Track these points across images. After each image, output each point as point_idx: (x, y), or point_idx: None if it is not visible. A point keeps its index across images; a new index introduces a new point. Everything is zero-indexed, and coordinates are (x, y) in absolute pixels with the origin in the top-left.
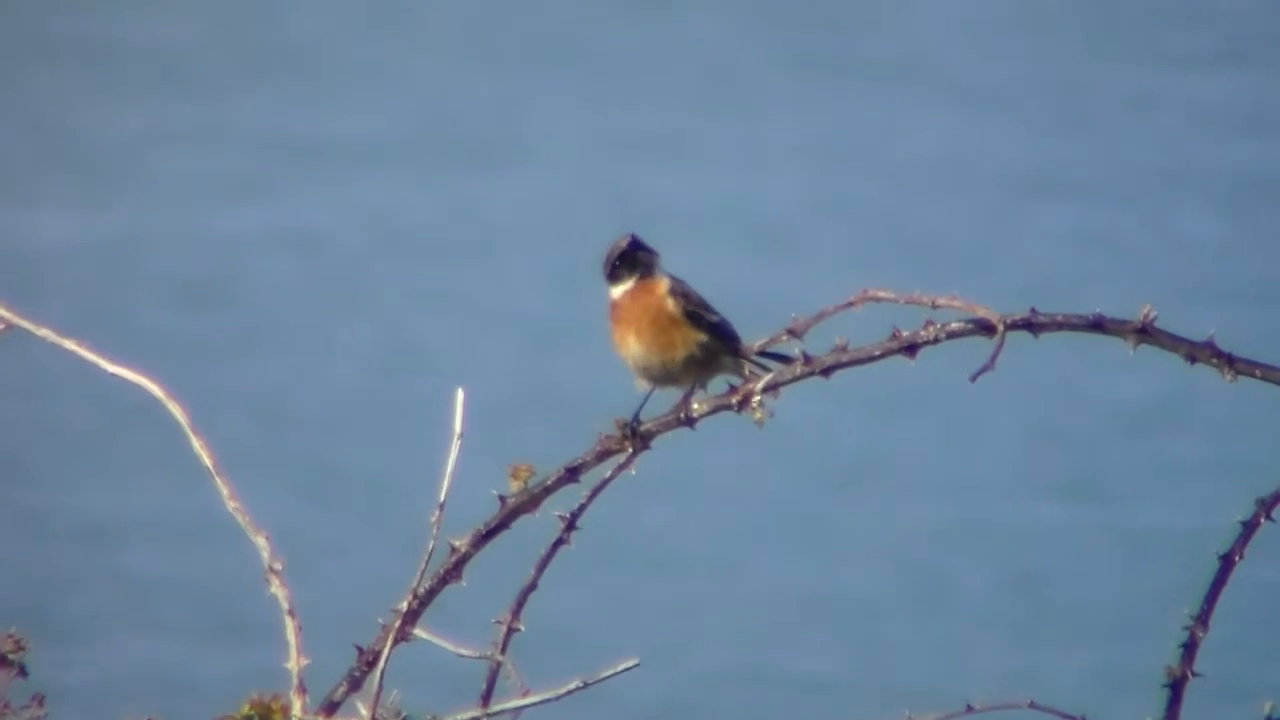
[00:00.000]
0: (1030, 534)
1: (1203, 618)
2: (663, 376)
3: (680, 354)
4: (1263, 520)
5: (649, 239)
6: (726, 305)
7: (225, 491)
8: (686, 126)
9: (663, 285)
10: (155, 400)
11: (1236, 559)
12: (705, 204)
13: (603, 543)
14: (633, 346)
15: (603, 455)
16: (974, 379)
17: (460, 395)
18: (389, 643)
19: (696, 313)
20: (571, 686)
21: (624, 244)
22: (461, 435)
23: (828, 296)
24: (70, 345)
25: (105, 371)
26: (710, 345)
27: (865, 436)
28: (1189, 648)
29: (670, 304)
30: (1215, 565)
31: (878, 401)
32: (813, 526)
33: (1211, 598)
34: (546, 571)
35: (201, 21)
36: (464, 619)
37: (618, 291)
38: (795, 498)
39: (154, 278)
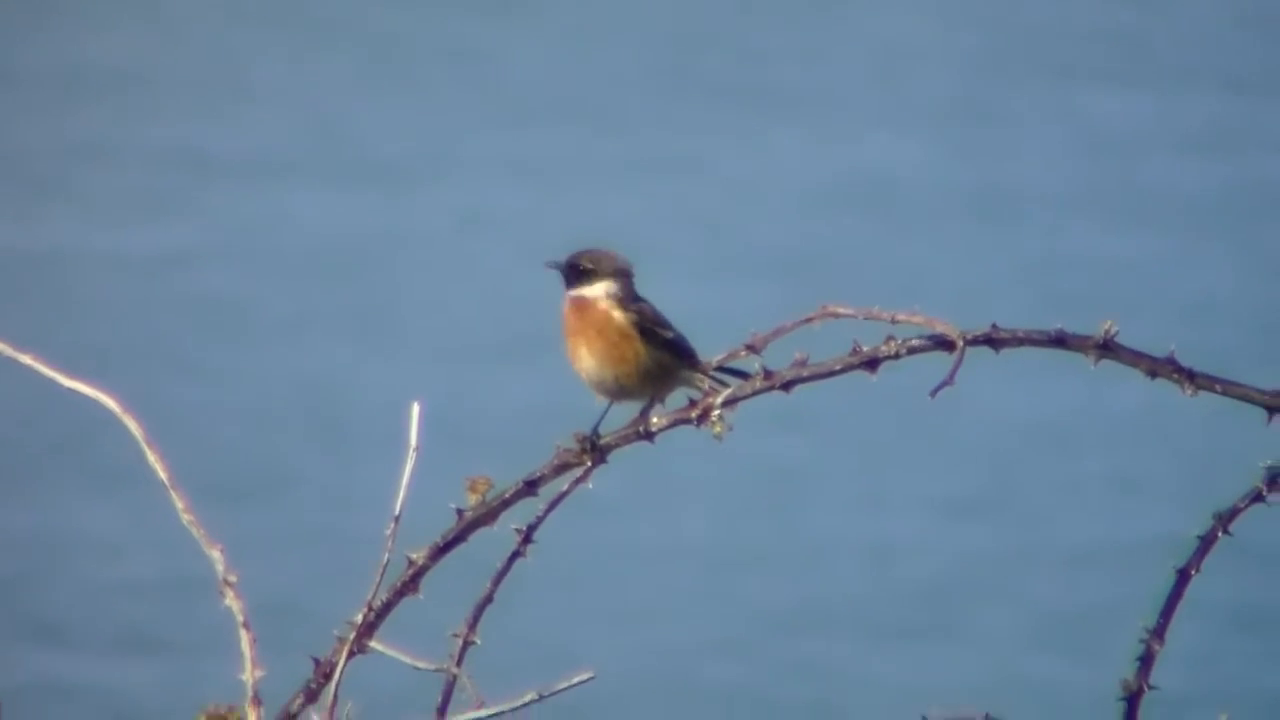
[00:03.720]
0: (946, 551)
1: (1158, 631)
2: (617, 391)
3: (633, 368)
4: (1220, 534)
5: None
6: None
7: (180, 505)
8: (592, 145)
9: (606, 295)
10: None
11: (1193, 573)
12: (617, 222)
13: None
14: (585, 360)
15: (561, 469)
16: (934, 394)
17: (416, 409)
18: (344, 655)
19: (650, 328)
20: (527, 699)
21: (586, 260)
22: (417, 448)
23: (767, 314)
24: (26, 359)
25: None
26: (664, 360)
27: (775, 452)
28: (1145, 661)
29: (619, 317)
30: (1171, 578)
31: (785, 418)
32: (726, 542)
33: (1168, 611)
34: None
35: (104, 40)
36: (420, 631)
37: (568, 299)
38: (707, 513)
39: (59, 294)
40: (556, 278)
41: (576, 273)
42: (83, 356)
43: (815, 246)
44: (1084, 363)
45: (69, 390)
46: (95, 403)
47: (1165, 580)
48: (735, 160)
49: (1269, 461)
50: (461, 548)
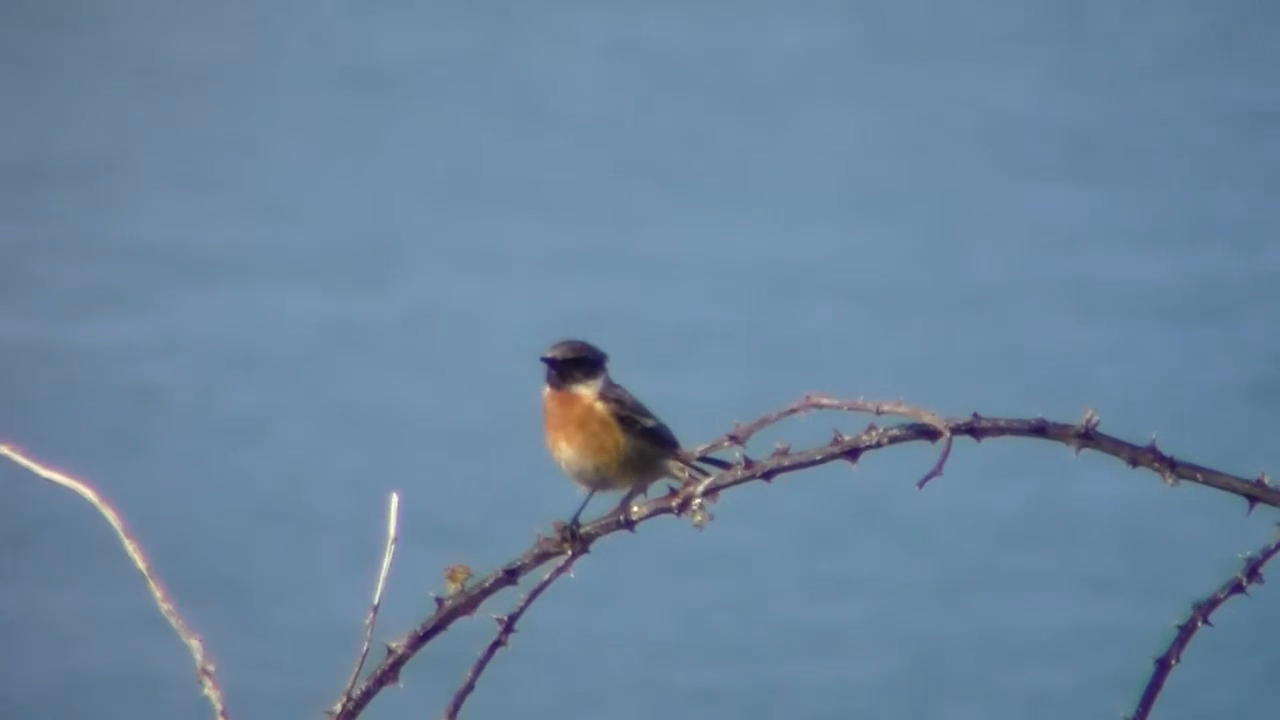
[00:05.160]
0: (904, 642)
1: None
2: (598, 481)
3: (613, 458)
4: (1199, 624)
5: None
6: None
7: (159, 594)
8: (547, 235)
9: (592, 389)
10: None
11: (1173, 663)
12: (590, 312)
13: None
14: (565, 450)
15: (541, 557)
16: (922, 485)
17: (395, 500)
18: None
19: (630, 417)
20: None
21: (572, 351)
22: (396, 539)
23: (727, 403)
24: (4, 450)
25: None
26: (645, 449)
27: (725, 539)
28: None
29: (600, 407)
30: (1151, 668)
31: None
32: (678, 630)
33: (1147, 701)
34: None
35: (63, 134)
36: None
37: (549, 393)
38: (658, 601)
39: (15, 387)
40: (512, 368)
41: (571, 367)
42: (41, 449)
43: (774, 337)
44: (1035, 453)
45: (26, 480)
46: (45, 494)
47: (1125, 670)
48: (691, 250)
49: (1248, 553)
50: (441, 637)
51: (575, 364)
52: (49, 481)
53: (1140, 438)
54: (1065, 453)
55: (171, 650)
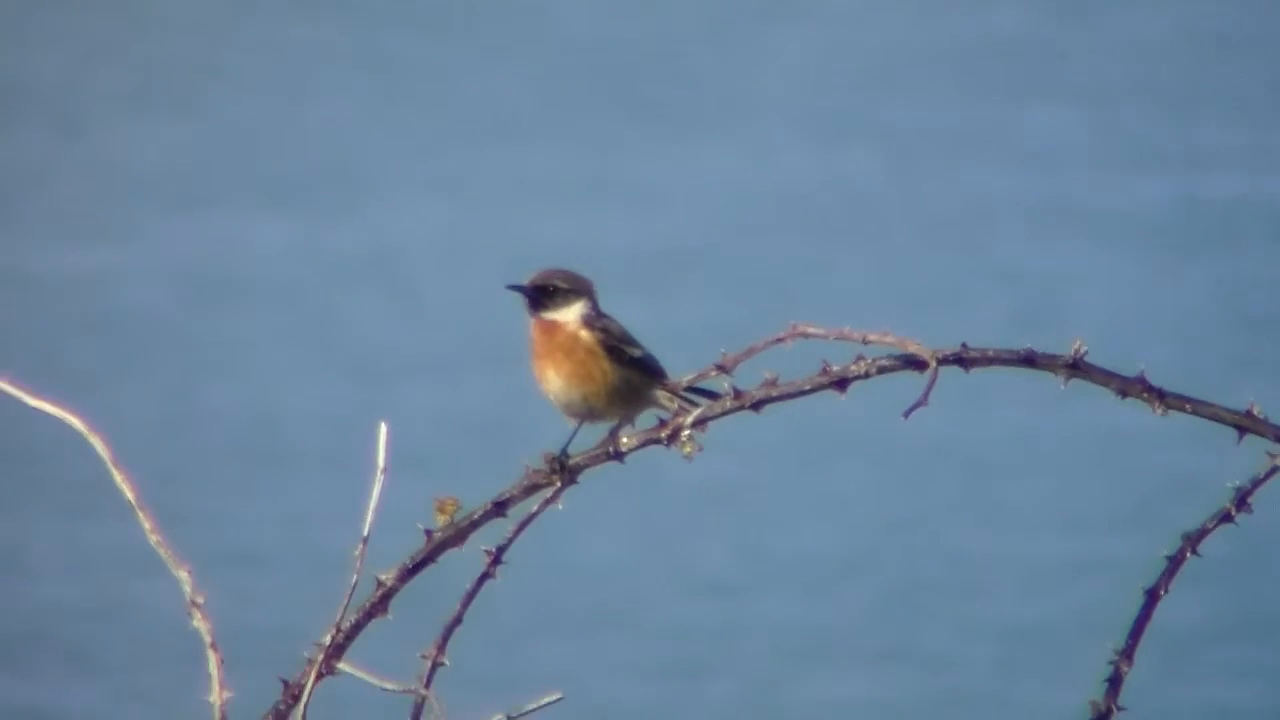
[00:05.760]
0: (893, 570)
1: (1128, 652)
2: (585, 411)
3: (600, 387)
4: (1188, 555)
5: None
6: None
7: (147, 525)
8: (522, 163)
9: (574, 315)
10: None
11: (1161, 593)
12: (566, 239)
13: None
14: (552, 381)
15: (530, 489)
16: (907, 415)
17: (384, 431)
18: (313, 676)
19: (617, 347)
20: None
21: (541, 278)
22: (385, 469)
23: (701, 330)
24: None
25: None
26: (632, 378)
27: (711, 471)
28: (1114, 682)
29: (586, 336)
30: (1140, 599)
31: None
32: (675, 558)
33: (1136, 632)
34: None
35: (34, 61)
36: (389, 653)
37: (535, 322)
38: (656, 524)
39: (2, 314)
40: (487, 296)
41: (543, 294)
42: (15, 376)
43: (753, 263)
44: (1021, 382)
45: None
46: (21, 422)
47: (1110, 600)
48: (667, 177)
49: (1236, 482)
50: (428, 568)
51: (547, 291)
52: (30, 410)
53: (1120, 363)
54: (1052, 382)
55: (158, 582)
